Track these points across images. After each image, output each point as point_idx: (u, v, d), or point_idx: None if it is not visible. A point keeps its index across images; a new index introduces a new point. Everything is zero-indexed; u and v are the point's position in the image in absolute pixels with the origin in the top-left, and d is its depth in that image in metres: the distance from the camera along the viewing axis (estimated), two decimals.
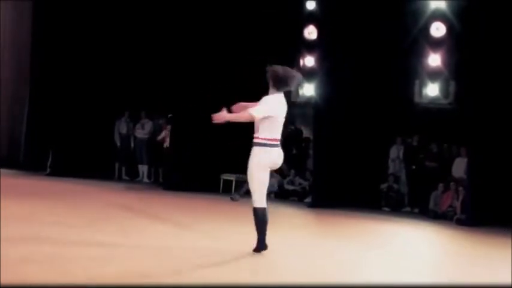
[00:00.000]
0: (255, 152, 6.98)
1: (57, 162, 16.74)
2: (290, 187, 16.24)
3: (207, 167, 15.68)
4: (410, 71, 15.65)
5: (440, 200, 14.36)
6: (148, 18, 17.21)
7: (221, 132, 15.45)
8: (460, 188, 13.82)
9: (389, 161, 16.00)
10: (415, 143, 15.79)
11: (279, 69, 7.03)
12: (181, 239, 8.04)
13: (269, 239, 7.13)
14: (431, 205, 14.45)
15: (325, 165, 14.65)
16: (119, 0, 17.24)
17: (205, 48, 15.52)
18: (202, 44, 15.53)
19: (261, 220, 6.98)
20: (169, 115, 16.50)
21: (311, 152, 16.70)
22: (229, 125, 15.54)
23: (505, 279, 6.84)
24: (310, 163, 16.56)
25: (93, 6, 16.99)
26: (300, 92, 18.08)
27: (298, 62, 17.05)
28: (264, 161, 6.97)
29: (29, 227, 7.85)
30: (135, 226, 8.78)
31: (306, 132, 18.32)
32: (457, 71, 14.87)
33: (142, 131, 17.71)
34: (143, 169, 17.80)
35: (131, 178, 17.79)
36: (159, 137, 16.88)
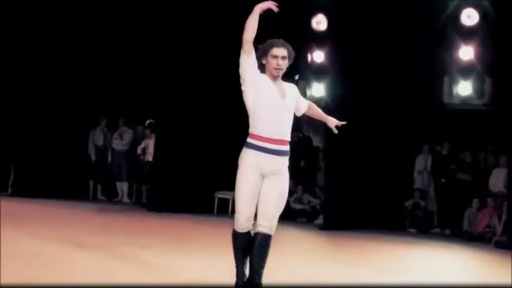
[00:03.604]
0: None
1: (20, 180, 16.69)
2: (298, 206, 16.21)
3: (198, 183, 15.66)
4: (437, 67, 15.62)
5: (475, 219, 14.34)
6: (125, 11, 17.17)
7: (215, 142, 15.54)
8: (503, 204, 13.80)
9: (415, 174, 16.00)
10: (444, 152, 15.79)
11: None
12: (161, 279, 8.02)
13: (273, 267, 7.10)
14: (465, 225, 14.44)
15: (338, 180, 14.62)
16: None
17: (194, 42, 15.51)
18: (191, 36, 15.51)
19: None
20: (149, 121, 16.50)
21: (322, 164, 16.68)
22: (225, 133, 15.59)
23: None
24: (320, 177, 16.55)
25: (62, 5, 16.92)
26: (308, 92, 18.06)
27: (306, 57, 17.05)
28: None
29: None
30: (113, 256, 8.76)
31: (316, 141, 18.31)
32: (493, 66, 14.85)
33: (120, 142, 17.68)
34: (123, 187, 17.78)
35: (108, 198, 17.77)
36: (139, 150, 16.83)
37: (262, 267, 6.34)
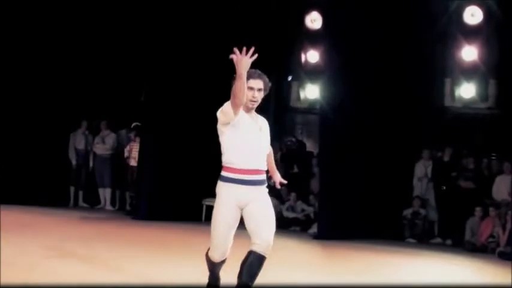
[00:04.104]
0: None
1: None
2: (290, 214, 16.18)
3: (185, 190, 15.61)
4: (438, 68, 15.65)
5: (478, 228, 14.34)
6: (108, 11, 17.10)
7: (203, 147, 15.48)
8: (507, 213, 13.79)
9: (415, 181, 15.99)
10: (446, 158, 15.79)
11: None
12: None
13: (264, 280, 7.05)
14: (467, 235, 14.43)
15: (333, 187, 14.58)
16: None
17: (181, 43, 15.47)
18: (177, 38, 15.46)
19: None
20: (134, 124, 16.43)
21: (316, 170, 16.65)
22: (214, 138, 15.48)
23: None
24: (315, 184, 16.52)
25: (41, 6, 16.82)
26: (302, 94, 18.06)
27: (299, 57, 17.04)
28: None
29: None
30: (98, 267, 8.73)
31: (310, 146, 18.28)
32: (498, 68, 14.88)
33: (103, 146, 17.63)
34: (105, 194, 17.73)
35: (91, 205, 17.71)
36: (126, 153, 16.80)
37: (249, 285, 6.36)
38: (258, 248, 6.32)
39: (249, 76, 6.36)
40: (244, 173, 6.36)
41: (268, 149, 6.69)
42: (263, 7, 15.40)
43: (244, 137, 6.36)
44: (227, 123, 6.35)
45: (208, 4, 15.26)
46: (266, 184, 6.54)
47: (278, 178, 6.94)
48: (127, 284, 7.54)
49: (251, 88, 6.41)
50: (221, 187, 6.45)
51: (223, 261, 6.73)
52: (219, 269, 6.82)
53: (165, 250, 11.12)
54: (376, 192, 14.94)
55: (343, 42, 14.80)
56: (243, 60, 6.05)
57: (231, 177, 6.39)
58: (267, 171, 6.65)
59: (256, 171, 6.41)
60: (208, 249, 6.72)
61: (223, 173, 6.44)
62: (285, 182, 6.99)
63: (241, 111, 6.38)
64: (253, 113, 6.56)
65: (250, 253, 6.34)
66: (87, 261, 9.02)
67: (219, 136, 6.48)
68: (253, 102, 6.46)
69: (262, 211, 6.40)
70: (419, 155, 15.97)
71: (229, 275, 6.67)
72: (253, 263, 6.32)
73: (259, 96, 6.48)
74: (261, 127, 6.52)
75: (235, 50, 6.07)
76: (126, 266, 8.91)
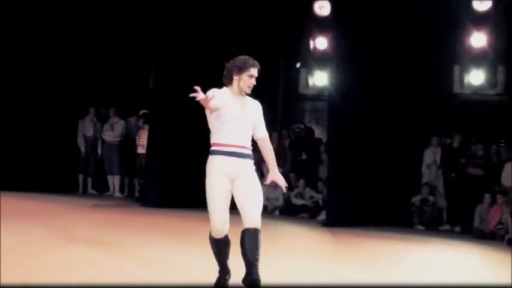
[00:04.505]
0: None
1: (5, 175, 16.63)
2: (299, 201, 16.21)
3: (193, 176, 15.59)
4: (448, 55, 15.61)
5: (487, 215, 14.33)
6: None
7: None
8: None
9: (423, 168, 15.98)
10: (455, 145, 15.77)
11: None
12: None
13: (273, 266, 7.11)
14: (476, 222, 14.42)
15: (342, 174, 14.59)
16: None
17: (189, 26, 15.46)
18: (185, 21, 15.46)
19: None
20: (142, 111, 16.45)
21: (324, 157, 16.66)
22: None
23: None
24: (323, 171, 16.53)
25: None
26: (310, 81, 18.04)
27: (308, 44, 17.03)
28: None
29: None
30: (108, 253, 8.75)
31: (318, 132, 18.29)
32: (507, 54, 14.84)
33: (111, 133, 17.64)
34: (114, 181, 17.76)
35: (99, 192, 17.77)
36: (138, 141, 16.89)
37: (256, 259, 6.65)
38: (249, 225, 6.69)
39: (251, 64, 6.87)
40: (229, 146, 6.80)
41: (261, 132, 6.97)
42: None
43: (227, 117, 6.78)
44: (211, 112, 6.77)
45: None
46: (252, 160, 6.87)
47: (272, 177, 6.97)
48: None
49: (252, 76, 6.87)
50: (210, 161, 6.93)
51: (226, 243, 6.97)
52: (225, 253, 7.02)
53: (173, 237, 11.17)
54: (384, 179, 14.94)
55: (351, 29, 14.77)
56: (206, 100, 6.57)
57: (218, 149, 6.87)
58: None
59: (241, 146, 6.82)
60: (210, 232, 7.02)
61: (212, 148, 6.95)
62: (284, 187, 7.10)
63: (230, 96, 6.87)
64: (243, 97, 6.95)
65: (245, 231, 6.70)
66: (95, 248, 9.08)
67: (207, 117, 6.95)
68: (250, 88, 6.91)
69: (248, 191, 6.76)
70: (428, 141, 15.95)
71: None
72: (250, 237, 6.67)
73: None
74: (245, 108, 6.87)
75: (197, 90, 6.60)
76: (135, 253, 8.96)
